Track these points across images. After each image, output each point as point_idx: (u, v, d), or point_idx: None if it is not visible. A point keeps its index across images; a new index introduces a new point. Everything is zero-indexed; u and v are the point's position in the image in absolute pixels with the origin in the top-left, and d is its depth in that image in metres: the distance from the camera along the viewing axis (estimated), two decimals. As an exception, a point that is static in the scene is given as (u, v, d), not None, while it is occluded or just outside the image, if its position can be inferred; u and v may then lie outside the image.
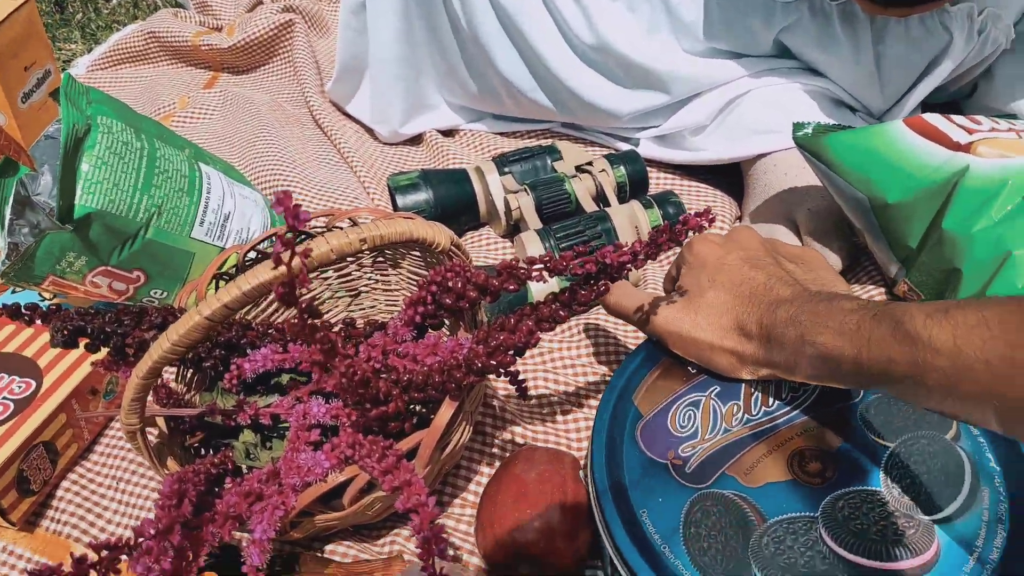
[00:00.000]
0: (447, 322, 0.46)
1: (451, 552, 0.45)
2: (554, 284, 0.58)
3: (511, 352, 0.36)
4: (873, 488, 0.39)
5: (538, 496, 0.43)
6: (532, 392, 0.54)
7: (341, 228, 0.49)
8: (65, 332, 0.40)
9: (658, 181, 0.73)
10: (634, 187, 0.69)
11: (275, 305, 0.56)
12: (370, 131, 0.84)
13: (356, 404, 0.37)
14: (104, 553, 0.33)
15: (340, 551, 0.46)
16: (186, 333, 0.35)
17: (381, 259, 0.53)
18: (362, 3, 0.74)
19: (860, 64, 0.65)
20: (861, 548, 0.37)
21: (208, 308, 0.34)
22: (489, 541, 0.43)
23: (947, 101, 0.74)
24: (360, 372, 0.35)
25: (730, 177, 0.72)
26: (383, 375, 0.40)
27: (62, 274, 0.52)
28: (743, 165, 0.69)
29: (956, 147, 0.49)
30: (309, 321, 0.32)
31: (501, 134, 0.82)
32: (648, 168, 0.72)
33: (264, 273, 0.33)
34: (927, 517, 0.38)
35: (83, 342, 0.42)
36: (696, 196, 0.70)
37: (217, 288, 0.51)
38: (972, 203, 0.47)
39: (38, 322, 0.42)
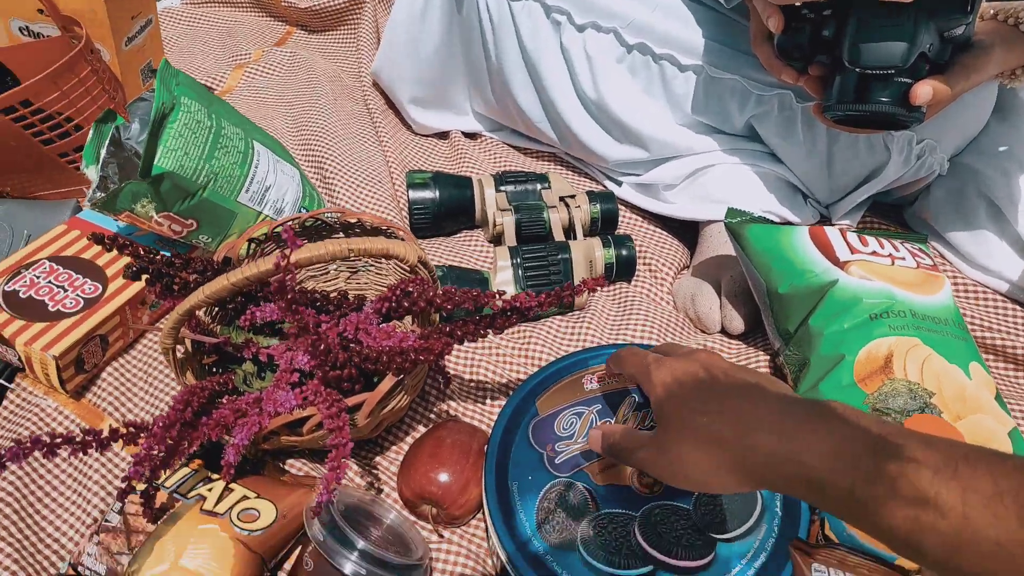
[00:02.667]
0: (409, 316, 0.61)
1: (373, 486, 0.61)
2: (511, 291, 0.72)
3: (435, 352, 0.50)
4: (684, 506, 0.52)
5: (447, 456, 0.58)
6: (472, 377, 0.68)
7: (339, 229, 0.64)
8: (134, 268, 0.56)
9: (630, 222, 0.85)
10: (605, 223, 0.81)
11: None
12: (408, 125, 0.97)
13: (321, 364, 0.52)
14: (129, 429, 0.49)
15: (297, 466, 0.62)
16: (215, 292, 0.50)
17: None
18: (415, 12, 0.86)
19: (812, 158, 0.77)
20: (657, 545, 0.51)
21: (233, 277, 0.50)
22: (403, 482, 0.58)
23: (893, 203, 0.85)
24: (324, 344, 0.50)
25: (690, 231, 0.84)
26: (351, 345, 0.55)
27: (135, 213, 0.67)
28: (700, 224, 0.82)
29: (836, 262, 0.61)
30: (293, 306, 0.46)
31: (515, 147, 0.95)
32: (623, 209, 0.85)
33: (265, 264, 0.48)
34: (713, 535, 0.51)
35: (144, 277, 0.57)
36: (656, 241, 0.83)
37: (249, 250, 0.66)
38: (833, 310, 0.60)
39: (115, 251, 0.58)
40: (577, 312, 0.75)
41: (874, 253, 0.63)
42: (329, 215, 0.65)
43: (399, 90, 0.94)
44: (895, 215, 0.85)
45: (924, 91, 0.59)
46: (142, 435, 0.49)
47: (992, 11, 0.68)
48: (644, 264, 0.80)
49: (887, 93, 0.60)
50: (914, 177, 0.77)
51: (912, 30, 0.58)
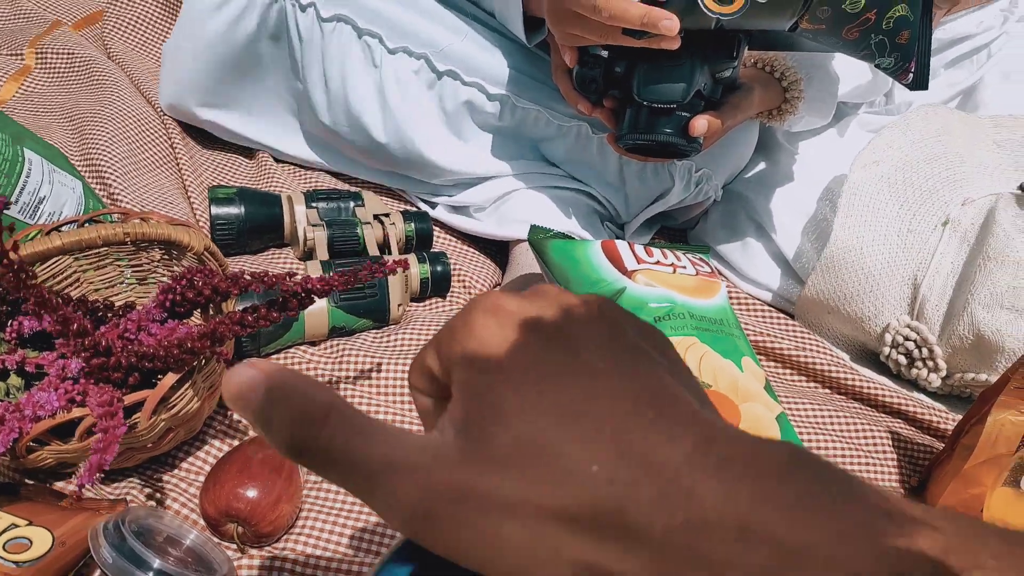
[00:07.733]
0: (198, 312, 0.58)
1: (164, 505, 0.56)
2: (323, 306, 0.71)
3: (216, 339, 0.48)
4: None
5: (257, 472, 0.54)
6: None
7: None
8: None
9: (445, 241, 0.87)
10: (420, 242, 0.83)
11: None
12: (210, 139, 0.92)
13: (78, 351, 0.48)
14: None
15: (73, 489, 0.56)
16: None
17: (167, 256, 0.64)
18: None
19: (607, 177, 0.84)
20: None
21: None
22: (208, 499, 0.54)
23: (678, 227, 0.95)
24: (76, 324, 0.46)
25: (501, 251, 0.88)
26: (131, 342, 0.51)
27: None
28: (510, 244, 0.85)
29: (624, 271, 0.67)
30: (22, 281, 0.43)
31: (325, 170, 0.94)
32: (438, 229, 0.87)
33: (33, 247, 0.44)
34: None
35: None
36: (470, 259, 0.85)
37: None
38: (624, 313, 0.65)
39: None
40: (392, 326, 0.75)
41: (658, 263, 0.69)
42: (109, 218, 0.61)
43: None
44: (680, 238, 0.95)
45: (700, 124, 0.68)
46: None
47: (753, 60, 0.80)
48: (459, 280, 0.82)
49: (670, 125, 0.68)
50: (694, 201, 0.87)
51: (689, 71, 0.67)
